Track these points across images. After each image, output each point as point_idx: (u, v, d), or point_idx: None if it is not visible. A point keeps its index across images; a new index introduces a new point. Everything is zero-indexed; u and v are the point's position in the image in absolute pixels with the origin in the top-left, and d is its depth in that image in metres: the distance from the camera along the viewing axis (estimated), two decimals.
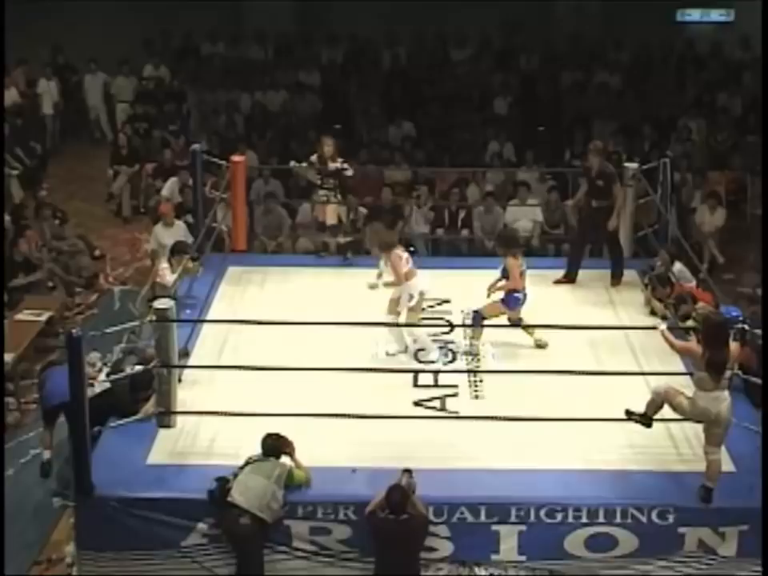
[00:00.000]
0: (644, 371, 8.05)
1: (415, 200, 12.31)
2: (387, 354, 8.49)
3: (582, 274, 9.97)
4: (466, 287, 9.30)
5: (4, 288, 10.44)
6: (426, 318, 8.92)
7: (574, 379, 7.56)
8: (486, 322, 8.52)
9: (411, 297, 8.37)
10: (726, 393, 6.71)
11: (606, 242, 10.25)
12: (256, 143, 13.87)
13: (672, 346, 6.90)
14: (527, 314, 8.60)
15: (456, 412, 7.77)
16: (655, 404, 6.99)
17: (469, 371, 8.28)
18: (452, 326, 8.87)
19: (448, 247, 12.12)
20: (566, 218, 12.20)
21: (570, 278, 9.95)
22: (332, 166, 10.17)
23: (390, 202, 12.08)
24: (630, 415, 7.12)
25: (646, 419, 7.07)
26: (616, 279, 9.92)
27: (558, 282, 9.90)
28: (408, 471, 6.72)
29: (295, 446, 6.95)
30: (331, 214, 10.38)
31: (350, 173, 10.33)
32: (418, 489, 6.70)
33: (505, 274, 8.50)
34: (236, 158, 10.46)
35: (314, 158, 10.24)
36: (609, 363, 8.17)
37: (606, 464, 7.19)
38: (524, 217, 12.11)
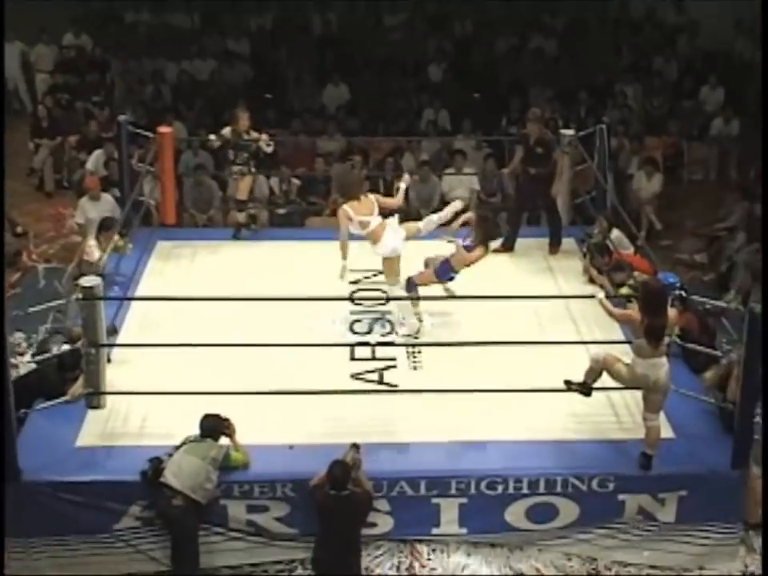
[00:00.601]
0: (584, 340, 8.14)
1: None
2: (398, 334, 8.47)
3: (519, 242, 10.04)
4: (402, 258, 9.29)
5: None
6: (361, 290, 8.93)
7: (513, 348, 7.62)
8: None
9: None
10: (665, 359, 6.81)
11: (544, 209, 10.33)
12: (184, 114, 13.68)
13: (610, 314, 6.98)
14: (465, 280, 8.62)
15: (395, 385, 7.80)
16: (594, 372, 7.08)
17: (407, 344, 8.29)
18: (388, 299, 8.88)
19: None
20: (503, 187, 12.27)
21: (507, 247, 10.01)
22: (260, 140, 10.08)
23: (323, 172, 12.03)
24: (569, 385, 7.21)
25: (585, 388, 7.15)
26: (554, 247, 10.01)
27: (496, 251, 9.94)
28: (355, 446, 6.73)
29: (235, 427, 6.91)
30: (243, 190, 10.27)
31: (269, 149, 10.25)
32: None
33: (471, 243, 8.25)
34: (163, 129, 10.34)
35: (226, 130, 10.10)
36: (549, 332, 8.25)
37: (547, 434, 7.28)
38: (460, 186, 12.13)
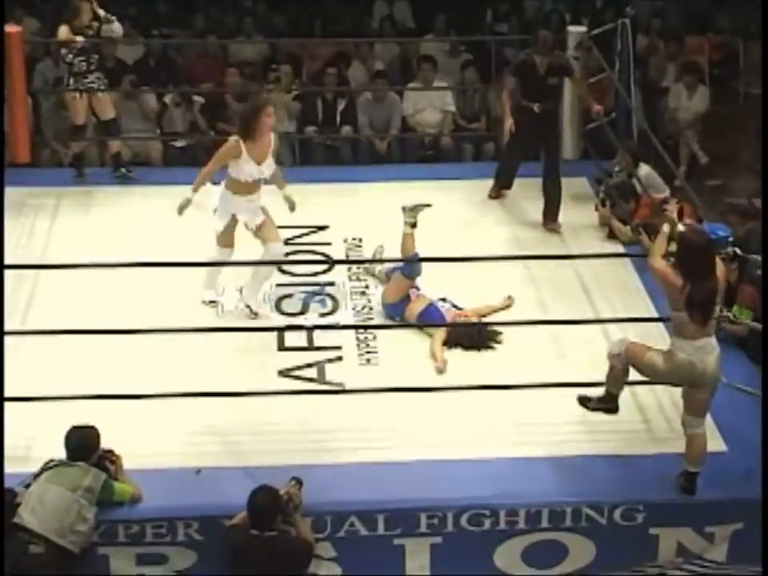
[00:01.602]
0: (601, 318, 8.22)
1: (274, 86, 12.23)
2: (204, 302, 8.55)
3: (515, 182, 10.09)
4: (350, 208, 9.33)
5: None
6: (293, 253, 8.98)
7: (504, 331, 7.66)
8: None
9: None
10: (714, 341, 6.81)
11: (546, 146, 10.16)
12: (38, 6, 13.65)
13: (653, 264, 6.74)
14: (442, 235, 8.67)
15: (340, 384, 7.83)
16: (617, 374, 7.05)
17: (357, 326, 8.35)
18: (332, 262, 8.91)
19: (324, 151, 12.11)
20: (488, 106, 12.29)
21: (501, 189, 10.03)
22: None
23: (238, 88, 11.99)
24: (584, 403, 7.28)
25: (609, 404, 7.19)
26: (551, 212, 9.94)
27: (489, 196, 9.99)
28: (297, 481, 6.73)
29: (122, 463, 6.90)
30: (109, 107, 10.52)
31: (118, 29, 10.35)
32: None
33: None
34: (9, 28, 10.24)
35: (62, 31, 10.10)
36: (552, 308, 8.33)
37: (551, 448, 7.33)
38: (429, 106, 12.16)
